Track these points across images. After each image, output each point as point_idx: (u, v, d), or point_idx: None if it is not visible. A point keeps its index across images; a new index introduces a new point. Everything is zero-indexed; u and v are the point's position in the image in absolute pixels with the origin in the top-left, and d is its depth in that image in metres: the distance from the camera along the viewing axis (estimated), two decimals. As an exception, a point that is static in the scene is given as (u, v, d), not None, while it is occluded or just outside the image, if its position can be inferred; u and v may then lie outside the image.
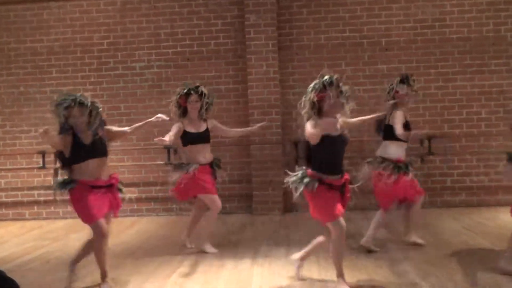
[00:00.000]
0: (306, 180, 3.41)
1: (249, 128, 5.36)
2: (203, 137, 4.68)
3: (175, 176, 4.67)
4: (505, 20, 6.76)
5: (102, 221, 3.56)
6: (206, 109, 4.70)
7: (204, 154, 4.69)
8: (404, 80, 4.50)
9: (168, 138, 4.24)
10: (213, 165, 4.74)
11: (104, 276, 3.70)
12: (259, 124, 5.05)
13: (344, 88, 3.42)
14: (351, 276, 3.73)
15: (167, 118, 3.94)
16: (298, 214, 6.63)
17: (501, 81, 6.79)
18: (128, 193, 6.85)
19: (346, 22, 6.92)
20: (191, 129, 4.66)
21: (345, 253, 4.40)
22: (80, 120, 3.57)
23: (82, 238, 5.66)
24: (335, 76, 3.39)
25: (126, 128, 4.00)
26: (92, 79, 7.17)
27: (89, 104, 3.61)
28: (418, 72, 6.80)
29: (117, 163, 7.04)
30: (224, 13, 7.03)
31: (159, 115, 3.90)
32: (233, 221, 6.30)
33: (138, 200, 7.03)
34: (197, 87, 4.66)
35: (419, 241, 4.58)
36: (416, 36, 6.85)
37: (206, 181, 4.58)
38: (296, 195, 3.44)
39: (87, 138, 3.63)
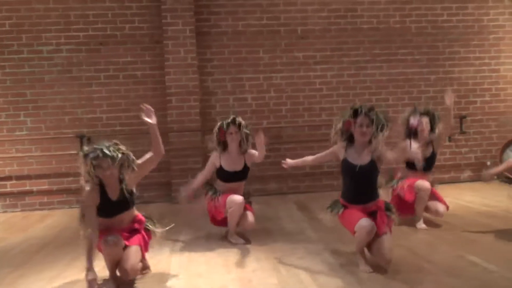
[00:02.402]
0: (335, 205, 3.56)
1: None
2: (238, 176, 4.42)
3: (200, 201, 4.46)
4: (410, 13, 7.21)
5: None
6: (246, 140, 4.40)
7: (234, 192, 4.35)
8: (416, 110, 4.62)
9: None
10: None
11: None
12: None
13: (377, 116, 3.37)
14: (268, 259, 3.83)
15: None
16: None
17: (407, 70, 7.27)
18: (38, 185, 6.60)
19: (263, 9, 6.98)
20: (227, 167, 4.40)
21: (262, 237, 4.55)
22: (108, 173, 3.23)
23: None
24: (366, 105, 3.41)
25: (148, 155, 3.43)
26: (-7, 63, 6.60)
27: (119, 157, 3.26)
28: (332, 60, 7.09)
29: (24, 154, 6.61)
30: (139, -4, 6.78)
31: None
32: (151, 210, 6.14)
33: (49, 192, 6.67)
34: (234, 118, 4.37)
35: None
36: (330, 25, 7.09)
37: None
38: (327, 219, 3.71)
39: (114, 193, 3.32)
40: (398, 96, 7.21)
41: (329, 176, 7.06)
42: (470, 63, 7.36)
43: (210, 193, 4.42)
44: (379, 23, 7.16)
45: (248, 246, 4.27)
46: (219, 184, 4.47)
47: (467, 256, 3.70)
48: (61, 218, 6.03)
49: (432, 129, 4.66)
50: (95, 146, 3.31)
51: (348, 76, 7.14)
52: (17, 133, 6.63)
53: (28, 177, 6.66)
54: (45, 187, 6.66)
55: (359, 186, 3.45)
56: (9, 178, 6.64)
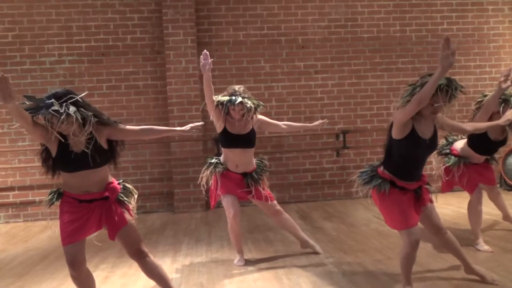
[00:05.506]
0: (376, 180, 3.02)
1: (309, 124, 4.36)
2: (242, 141, 3.86)
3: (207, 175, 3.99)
4: (410, 22, 7.24)
5: (70, 248, 2.89)
6: (255, 111, 3.91)
7: (237, 161, 3.90)
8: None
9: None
10: (247, 178, 3.95)
11: None
12: (319, 122, 4.19)
13: (456, 91, 2.87)
14: (270, 268, 3.82)
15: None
16: (220, 210, 6.66)
17: (407, 78, 7.24)
18: (40, 196, 6.61)
19: (264, 19, 7.03)
20: (230, 129, 3.87)
21: (264, 246, 4.55)
22: (62, 128, 2.74)
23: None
24: (453, 82, 2.86)
25: (136, 128, 3.14)
26: (-4, 74, 6.63)
27: (67, 111, 2.72)
28: (332, 69, 7.11)
29: (26, 164, 6.63)
30: (141, 7, 6.84)
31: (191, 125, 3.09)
32: (153, 220, 6.19)
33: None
34: (241, 102, 3.84)
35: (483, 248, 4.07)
36: (331, 35, 7.12)
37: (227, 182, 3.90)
38: (361, 193, 3.08)
39: (78, 144, 2.78)
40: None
41: (331, 185, 7.06)
42: (470, 72, 7.37)
43: (210, 168, 3.96)
44: (379, 32, 7.19)
45: (249, 255, 4.26)
46: (223, 156, 3.99)
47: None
48: (63, 228, 6.03)
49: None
50: (29, 102, 2.82)
51: (349, 85, 7.16)
52: (20, 143, 6.66)
53: (31, 187, 6.68)
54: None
55: (418, 161, 3.00)
56: (11, 188, 6.66)
